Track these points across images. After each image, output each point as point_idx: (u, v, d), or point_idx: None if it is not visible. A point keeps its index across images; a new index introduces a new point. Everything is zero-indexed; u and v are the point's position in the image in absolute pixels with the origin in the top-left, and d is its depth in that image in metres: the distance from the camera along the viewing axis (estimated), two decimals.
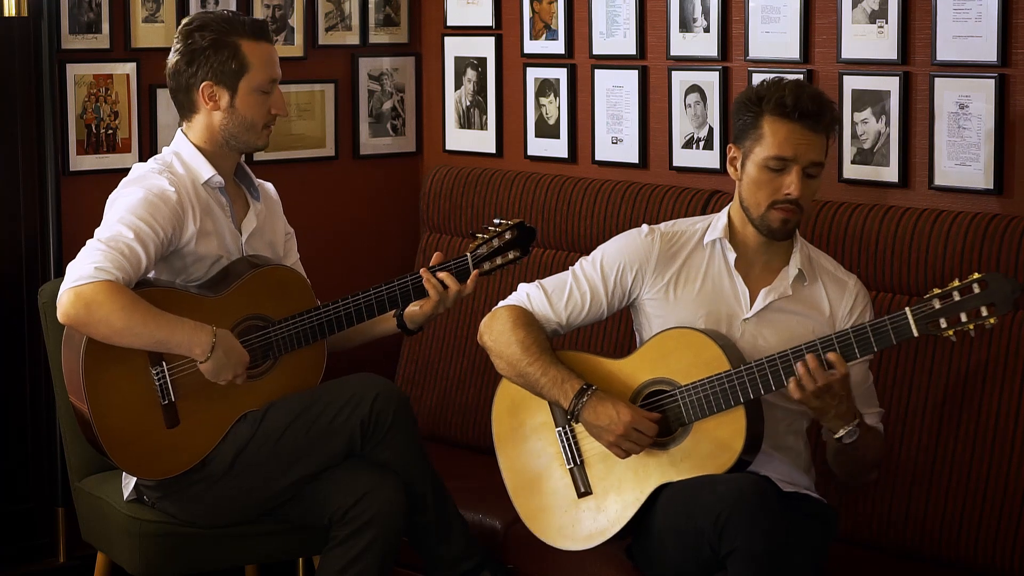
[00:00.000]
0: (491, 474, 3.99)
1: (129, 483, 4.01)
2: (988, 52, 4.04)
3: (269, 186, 4.20)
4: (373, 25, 5.23)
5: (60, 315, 3.76)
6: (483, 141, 5.17)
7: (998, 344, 3.87)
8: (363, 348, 4.20)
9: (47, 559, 4.75)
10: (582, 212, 4.68)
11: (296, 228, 4.25)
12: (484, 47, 5.14)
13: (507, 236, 4.06)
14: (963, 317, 3.46)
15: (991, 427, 3.87)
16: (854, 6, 4.27)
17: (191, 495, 3.91)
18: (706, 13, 4.58)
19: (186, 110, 4.00)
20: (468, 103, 5.19)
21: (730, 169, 3.78)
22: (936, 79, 4.14)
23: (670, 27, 4.66)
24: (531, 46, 5.02)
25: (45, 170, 4.63)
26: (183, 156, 3.98)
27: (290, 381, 3.96)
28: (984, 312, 3.45)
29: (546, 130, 5.01)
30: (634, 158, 4.80)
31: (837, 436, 3.60)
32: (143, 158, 4.46)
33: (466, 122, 5.21)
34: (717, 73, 4.57)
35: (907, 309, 3.50)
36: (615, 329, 4.47)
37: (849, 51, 4.31)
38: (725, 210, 3.84)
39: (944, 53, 4.12)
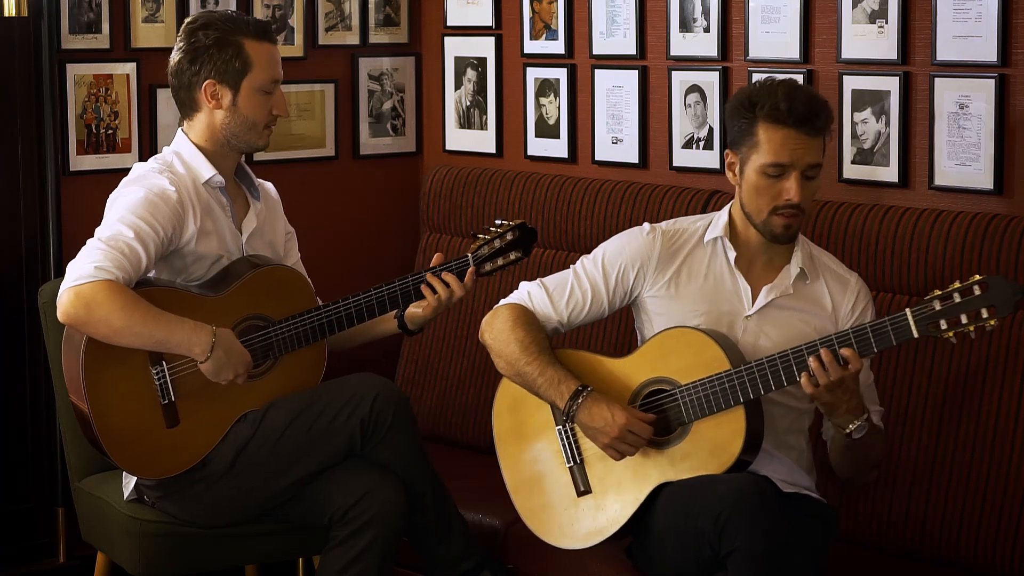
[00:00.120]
0: (491, 474, 3.99)
1: (129, 483, 4.01)
2: (988, 52, 4.04)
3: (269, 186, 4.20)
4: (373, 25, 5.23)
5: (60, 314, 3.76)
6: (483, 141, 5.17)
7: (998, 344, 3.87)
8: (363, 348, 4.20)
9: (47, 559, 4.75)
10: (582, 212, 4.68)
11: (296, 228, 4.25)
12: (484, 47, 5.14)
13: (508, 237, 4.06)
14: (963, 319, 3.46)
15: (991, 427, 3.87)
16: (854, 6, 4.28)
17: (191, 495, 3.91)
18: (706, 13, 4.58)
19: (188, 108, 4.00)
20: (468, 103, 5.19)
21: (728, 174, 3.78)
22: (936, 79, 4.14)
23: (670, 27, 4.66)
24: (531, 46, 5.02)
25: (45, 170, 4.63)
26: (184, 156, 3.98)
27: (290, 381, 3.96)
28: (985, 314, 3.44)
29: (546, 130, 5.01)
30: (634, 158, 4.80)
31: (847, 431, 3.60)
32: (143, 158, 4.46)
33: (466, 122, 5.21)
34: (717, 73, 4.57)
35: (907, 310, 3.50)
36: (615, 329, 4.47)
37: (849, 51, 4.31)
38: (726, 208, 3.84)
39: (944, 53, 4.12)
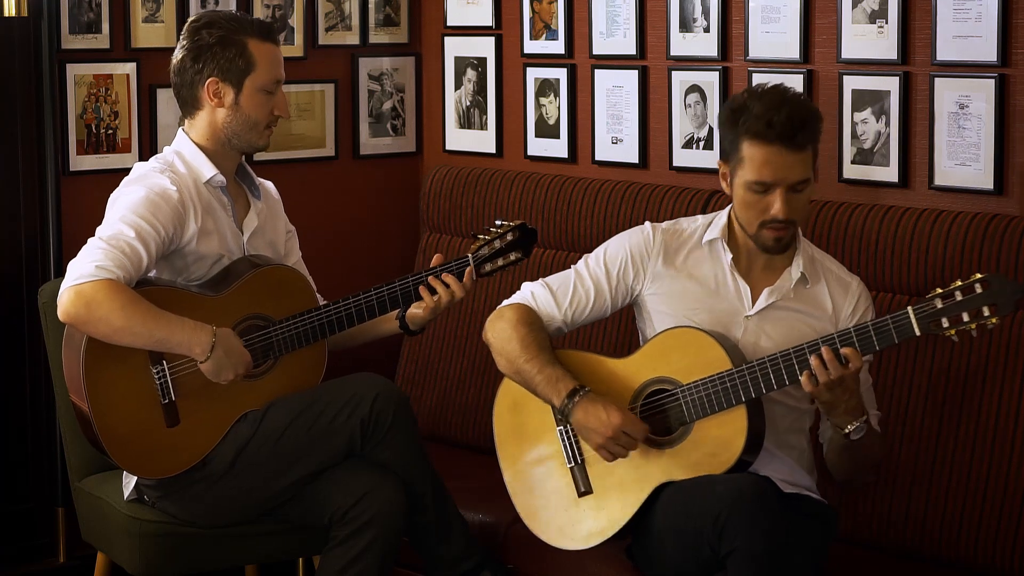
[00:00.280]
0: (491, 474, 3.99)
1: (129, 483, 4.01)
2: (988, 52, 4.04)
3: (270, 185, 4.20)
4: (373, 25, 5.23)
5: (60, 313, 3.77)
6: (483, 141, 5.17)
7: (998, 344, 3.88)
8: (364, 347, 4.20)
9: (47, 559, 4.75)
10: (582, 212, 4.68)
11: (296, 228, 4.25)
12: (484, 47, 5.14)
13: (509, 237, 4.06)
14: (965, 317, 3.46)
15: (991, 427, 3.87)
16: (854, 6, 4.28)
17: (191, 495, 3.91)
18: (706, 13, 4.58)
19: (189, 107, 4.00)
20: (468, 103, 5.19)
21: (722, 184, 3.77)
22: (936, 79, 4.14)
23: (670, 27, 4.66)
24: (531, 46, 5.02)
25: (45, 170, 4.63)
26: (185, 155, 3.98)
27: (291, 381, 3.96)
28: (986, 312, 3.45)
29: (546, 130, 5.01)
30: (634, 158, 4.80)
31: (846, 432, 3.60)
32: (143, 158, 4.46)
33: (466, 122, 5.21)
34: (717, 73, 4.57)
35: (909, 308, 3.50)
36: (615, 329, 4.47)
37: (849, 51, 4.31)
38: (726, 210, 3.84)
39: (944, 53, 4.12)
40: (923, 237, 4.01)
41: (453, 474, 4.18)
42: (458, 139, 5.24)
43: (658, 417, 3.73)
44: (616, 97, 4.82)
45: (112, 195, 3.93)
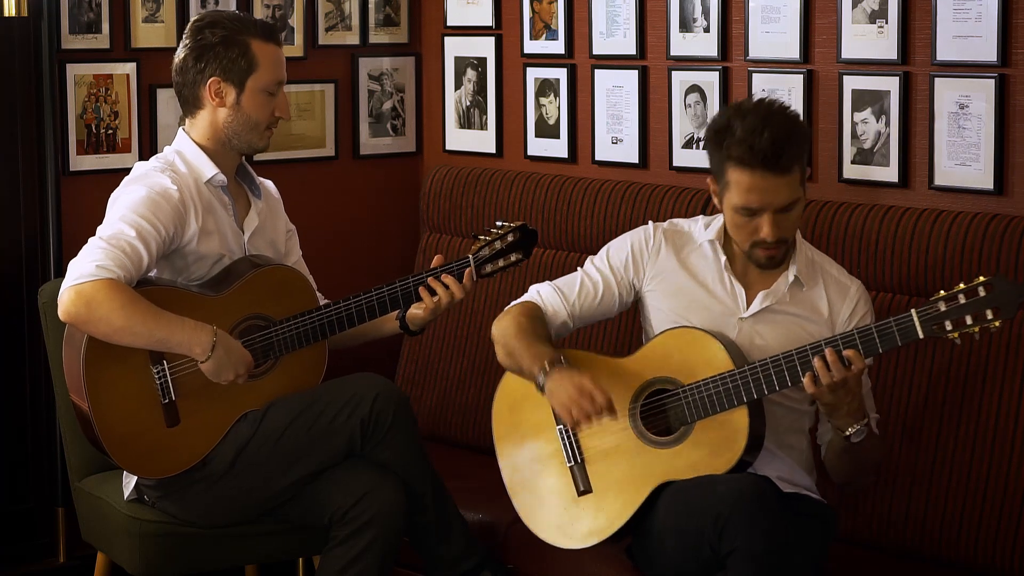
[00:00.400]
0: (491, 474, 3.99)
1: (129, 483, 4.01)
2: (988, 52, 4.04)
3: (270, 184, 4.20)
4: (373, 25, 5.23)
5: (61, 313, 3.77)
6: (483, 141, 5.17)
7: (998, 344, 3.87)
8: (365, 347, 4.20)
9: (47, 559, 4.75)
10: (582, 212, 4.68)
11: (296, 228, 4.25)
12: (484, 47, 5.14)
13: (509, 238, 4.06)
14: (968, 319, 3.46)
15: (991, 427, 3.87)
16: (854, 6, 4.28)
17: (191, 494, 3.91)
18: (706, 13, 4.58)
19: (191, 106, 4.00)
20: (468, 103, 5.19)
21: (714, 200, 3.77)
22: (936, 79, 4.14)
23: (670, 27, 4.66)
24: (531, 46, 5.02)
25: (45, 170, 4.63)
26: (185, 155, 3.98)
27: (291, 381, 3.96)
28: (989, 315, 3.45)
29: (546, 130, 5.01)
30: (634, 158, 4.80)
31: (847, 434, 3.60)
32: (143, 158, 4.45)
33: (466, 122, 5.21)
34: (717, 73, 4.57)
35: (913, 311, 3.50)
36: (616, 329, 4.47)
37: (849, 51, 4.31)
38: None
39: (944, 53, 4.12)
40: (923, 237, 4.01)
41: (453, 474, 4.18)
42: (458, 139, 5.24)
43: (659, 417, 3.73)
44: (616, 97, 4.82)
45: (113, 194, 3.93)
